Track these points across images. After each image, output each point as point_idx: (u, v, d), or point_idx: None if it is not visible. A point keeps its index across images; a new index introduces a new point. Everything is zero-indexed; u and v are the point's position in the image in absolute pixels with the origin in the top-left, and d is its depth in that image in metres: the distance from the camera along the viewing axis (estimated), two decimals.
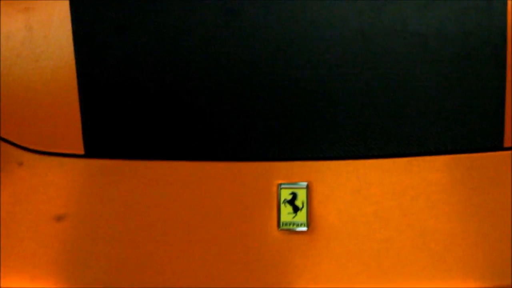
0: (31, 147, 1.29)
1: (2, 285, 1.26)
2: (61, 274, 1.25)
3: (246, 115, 1.30)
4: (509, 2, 1.36)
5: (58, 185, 1.27)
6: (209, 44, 1.34)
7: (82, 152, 1.26)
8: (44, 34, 1.35)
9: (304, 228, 1.19)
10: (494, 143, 1.25)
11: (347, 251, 1.22)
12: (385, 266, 1.21)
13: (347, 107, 1.30)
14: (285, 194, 1.21)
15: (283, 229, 1.19)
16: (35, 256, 1.25)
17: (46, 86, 1.33)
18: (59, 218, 1.23)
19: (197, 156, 1.30)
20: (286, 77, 1.34)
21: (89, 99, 1.31)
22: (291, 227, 1.20)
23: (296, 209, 1.20)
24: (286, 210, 1.20)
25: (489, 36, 1.34)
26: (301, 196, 1.21)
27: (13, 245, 1.26)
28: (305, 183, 1.21)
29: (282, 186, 1.21)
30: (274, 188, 1.22)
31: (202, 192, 1.28)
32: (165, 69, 1.33)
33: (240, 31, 1.34)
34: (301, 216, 1.20)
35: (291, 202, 1.20)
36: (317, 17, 1.35)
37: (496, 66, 1.31)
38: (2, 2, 1.46)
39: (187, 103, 1.34)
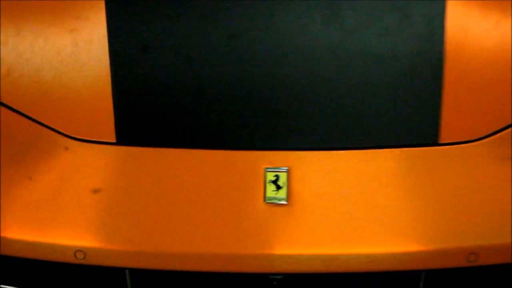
0: (75, 136, 1.47)
1: (50, 241, 1.39)
2: (96, 233, 1.40)
3: (242, 116, 1.48)
4: (445, 33, 1.53)
5: (95, 166, 1.44)
6: (214, 59, 1.52)
7: (114, 140, 1.45)
8: (86, 50, 1.52)
9: (284, 202, 1.36)
10: (432, 140, 1.44)
11: (317, 220, 1.38)
12: (346, 233, 1.37)
13: (319, 111, 1.48)
14: (270, 176, 1.38)
15: (268, 203, 1.37)
16: (76, 219, 1.41)
17: (88, 89, 1.50)
18: (96, 191, 1.40)
19: (204, 146, 1.47)
20: (273, 88, 1.51)
21: (120, 100, 1.48)
22: (274, 201, 1.37)
23: (278, 188, 1.38)
24: (271, 188, 1.37)
25: (430, 57, 1.52)
26: (283, 178, 1.38)
27: (60, 211, 1.42)
28: (286, 168, 1.39)
29: (268, 169, 1.39)
30: (262, 171, 1.40)
31: (207, 172, 1.44)
32: (179, 78, 1.51)
33: (238, 50, 1.52)
34: (282, 193, 1.37)
35: (275, 182, 1.38)
36: (298, 39, 1.53)
37: (434, 80, 1.49)
38: (49, 23, 1.60)
39: (197, 105, 1.51)
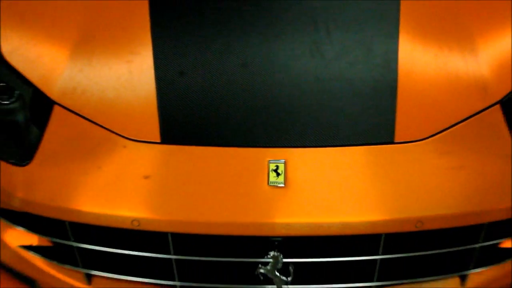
0: (131, 137, 1.59)
1: (114, 213, 1.50)
2: (147, 207, 1.52)
3: (253, 124, 1.60)
4: (398, 62, 1.65)
5: (145, 159, 1.56)
6: (231, 81, 1.65)
7: (159, 140, 1.57)
8: (138, 75, 1.66)
9: (282, 185, 1.50)
10: (389, 140, 1.56)
11: (307, 198, 1.51)
12: (328, 207, 1.50)
13: (307, 120, 1.60)
14: (272, 166, 1.52)
15: (270, 185, 1.50)
16: (132, 197, 1.53)
17: (139, 104, 1.62)
18: (146, 177, 1.53)
19: (225, 145, 1.58)
20: (275, 103, 1.62)
21: (163, 112, 1.60)
22: (275, 184, 1.50)
23: (278, 175, 1.51)
24: (272, 175, 1.51)
25: (387, 80, 1.64)
26: (281, 168, 1.52)
27: (121, 191, 1.53)
28: (283, 160, 1.53)
29: (270, 161, 1.52)
30: (266, 163, 1.53)
31: (227, 163, 1.56)
32: (206, 95, 1.63)
33: (248, 75, 1.66)
34: (281, 178, 1.50)
35: (275, 170, 1.51)
36: (292, 66, 1.66)
37: (390, 96, 1.61)
38: (112, 56, 1.71)
39: (220, 115, 1.61)
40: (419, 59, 1.68)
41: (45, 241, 1.70)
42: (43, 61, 1.68)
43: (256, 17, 1.75)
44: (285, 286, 1.57)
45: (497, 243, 1.65)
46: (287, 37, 1.71)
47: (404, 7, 1.74)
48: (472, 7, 1.79)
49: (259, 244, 1.55)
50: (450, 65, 1.67)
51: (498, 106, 1.61)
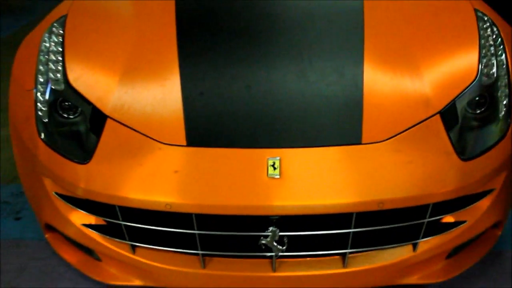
0: (164, 141, 1.62)
1: (151, 198, 1.52)
2: (177, 194, 1.55)
3: (255, 131, 1.64)
4: (363, 83, 1.69)
5: (175, 158, 1.60)
6: (239, 99, 1.70)
7: (185, 144, 1.61)
8: (169, 95, 1.71)
9: (278, 177, 1.55)
10: (358, 141, 1.61)
11: (297, 186, 1.54)
12: (313, 192, 1.53)
13: (296, 129, 1.64)
14: (270, 162, 1.57)
15: (269, 177, 1.55)
16: (165, 186, 1.56)
17: (170, 116, 1.67)
18: (176, 172, 1.57)
19: (236, 146, 1.61)
20: (271, 114, 1.66)
21: (188, 122, 1.65)
22: (272, 176, 1.55)
23: (275, 169, 1.56)
24: (270, 169, 1.56)
25: (355, 96, 1.69)
26: (277, 163, 1.57)
27: (157, 182, 1.57)
28: (278, 158, 1.58)
29: (269, 159, 1.58)
30: (266, 160, 1.58)
31: (237, 160, 1.59)
32: (219, 110, 1.68)
33: (251, 95, 1.71)
34: (277, 171, 1.55)
35: (273, 165, 1.56)
36: (285, 88, 1.72)
37: (357, 109, 1.66)
38: (149, 82, 1.72)
39: (231, 126, 1.66)
40: (379, 80, 1.73)
41: (100, 221, 1.75)
42: (99, 86, 1.74)
43: (257, 51, 1.82)
44: (281, 253, 1.61)
45: (440, 219, 1.70)
46: (280, 66, 1.77)
47: (367, 42, 1.82)
48: (418, 41, 1.84)
49: (261, 221, 1.59)
50: (402, 85, 1.72)
51: (438, 115, 1.67)
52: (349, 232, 1.61)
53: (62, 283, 1.95)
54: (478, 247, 1.88)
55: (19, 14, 5.17)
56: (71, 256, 1.90)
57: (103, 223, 1.76)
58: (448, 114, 1.69)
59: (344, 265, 1.67)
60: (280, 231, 1.60)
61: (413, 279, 1.77)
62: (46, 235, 1.92)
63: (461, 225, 1.73)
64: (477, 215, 1.74)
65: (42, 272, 1.99)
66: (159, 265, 1.70)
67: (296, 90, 1.73)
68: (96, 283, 1.94)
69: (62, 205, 1.76)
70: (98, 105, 1.72)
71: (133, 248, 1.74)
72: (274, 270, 1.66)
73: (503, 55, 1.81)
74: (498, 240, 1.95)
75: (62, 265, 2.01)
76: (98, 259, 1.85)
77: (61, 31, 1.90)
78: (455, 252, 1.82)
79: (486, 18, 1.91)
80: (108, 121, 1.70)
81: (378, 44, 1.84)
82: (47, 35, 1.90)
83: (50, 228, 1.89)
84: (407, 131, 1.65)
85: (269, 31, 1.89)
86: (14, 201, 2.39)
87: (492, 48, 1.80)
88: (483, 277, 1.97)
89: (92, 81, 1.76)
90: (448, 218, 1.74)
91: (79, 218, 1.77)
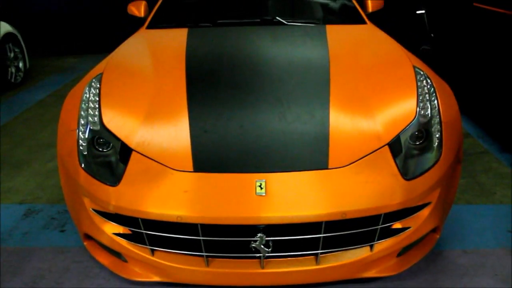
0: (175, 168, 1.62)
1: (165, 212, 1.49)
2: (186, 209, 1.53)
3: (246, 160, 1.62)
4: (329, 122, 1.68)
5: (184, 181, 1.58)
6: (235, 136, 1.69)
7: (192, 170, 1.61)
8: (180, 134, 1.70)
9: (264, 194, 1.54)
10: (325, 167, 1.61)
11: (280, 201, 1.53)
12: (293, 206, 1.52)
13: (278, 157, 1.62)
14: (258, 183, 1.57)
15: (257, 195, 1.55)
16: (177, 203, 1.55)
17: (181, 148, 1.65)
18: (185, 191, 1.57)
19: (232, 171, 1.60)
20: (258, 147, 1.65)
21: (195, 153, 1.64)
22: (259, 194, 1.55)
23: (261, 188, 1.56)
24: (258, 188, 1.56)
25: (321, 132, 1.68)
26: (263, 184, 1.57)
27: (170, 199, 1.55)
28: (264, 180, 1.57)
29: (257, 181, 1.58)
30: (254, 181, 1.57)
31: (231, 182, 1.58)
32: (220, 143, 1.66)
33: (244, 132, 1.70)
34: (263, 191, 1.55)
35: (260, 186, 1.56)
36: (268, 127, 1.68)
37: (324, 142, 1.66)
38: (165, 123, 1.69)
39: (229, 155, 1.63)
40: (341, 120, 1.74)
41: (127, 230, 1.73)
42: (127, 127, 1.74)
43: (247, 99, 1.84)
44: (267, 254, 1.60)
45: (390, 225, 1.70)
46: (265, 110, 1.79)
47: (332, 92, 1.86)
48: (371, 90, 1.87)
49: (251, 229, 1.59)
50: (359, 124, 1.73)
51: (387, 146, 1.68)
52: (320, 237, 1.60)
53: (97, 280, 1.95)
54: (422, 247, 1.87)
55: (64, 74, 5.37)
56: (104, 259, 1.88)
57: (129, 232, 1.74)
58: (394, 145, 1.69)
59: (317, 262, 1.66)
60: (267, 237, 1.59)
61: (371, 273, 1.76)
62: (85, 243, 1.90)
63: (407, 230, 1.72)
64: (419, 222, 1.73)
65: (81, 273, 2.00)
66: (172, 264, 1.68)
67: (277, 128, 1.73)
68: (123, 280, 1.93)
69: (97, 218, 1.75)
70: (126, 141, 1.72)
71: (152, 251, 1.72)
72: (263, 268, 1.65)
73: (435, 101, 1.84)
74: (437, 242, 1.96)
75: (97, 267, 2.00)
76: (125, 261, 1.82)
77: (98, 85, 1.92)
78: (403, 251, 1.80)
79: (422, 73, 1.95)
80: (133, 153, 1.69)
81: (341, 93, 1.86)
82: (87, 88, 1.92)
83: (88, 237, 1.87)
84: (363, 158, 1.65)
85: (257, 84, 1.92)
86: (59, 217, 2.43)
87: (427, 95, 1.82)
88: (426, 271, 1.96)
89: (121, 123, 1.77)
90: (397, 225, 1.73)
91: (111, 228, 1.75)
